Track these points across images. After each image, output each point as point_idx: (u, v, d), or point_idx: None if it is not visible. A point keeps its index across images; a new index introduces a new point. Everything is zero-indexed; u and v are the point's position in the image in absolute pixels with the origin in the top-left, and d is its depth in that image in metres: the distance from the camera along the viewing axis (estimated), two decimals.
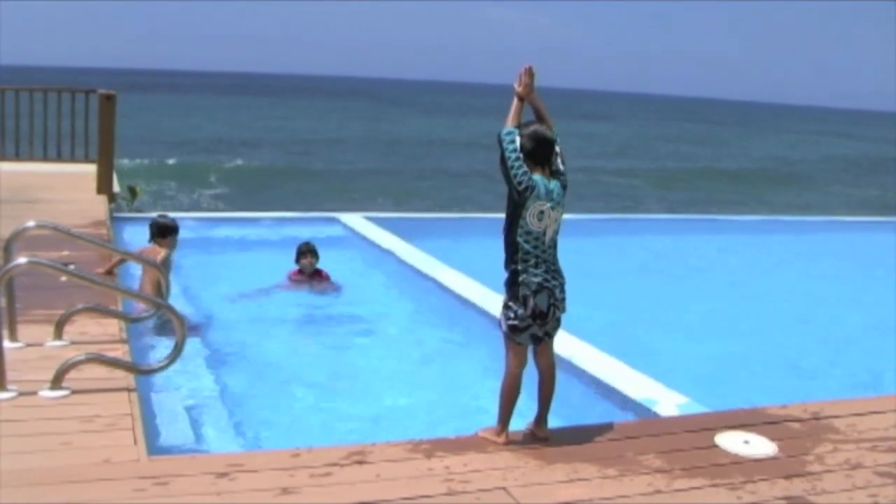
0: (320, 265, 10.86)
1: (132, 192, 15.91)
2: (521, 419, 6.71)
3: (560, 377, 7.58)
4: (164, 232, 8.85)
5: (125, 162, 31.49)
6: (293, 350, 8.58)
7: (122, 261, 8.73)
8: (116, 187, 14.08)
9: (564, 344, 8.07)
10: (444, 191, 35.29)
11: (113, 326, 6.93)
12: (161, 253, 8.52)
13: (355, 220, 14.14)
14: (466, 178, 39.04)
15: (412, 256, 11.76)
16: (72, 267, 6.69)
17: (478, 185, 34.92)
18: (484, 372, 8.15)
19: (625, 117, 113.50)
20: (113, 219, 12.29)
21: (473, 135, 60.46)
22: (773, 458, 5.28)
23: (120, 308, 7.37)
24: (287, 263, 10.86)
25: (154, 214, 10.63)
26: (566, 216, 5.24)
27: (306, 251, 10.78)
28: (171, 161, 39.31)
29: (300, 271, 10.78)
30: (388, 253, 12.19)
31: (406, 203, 28.91)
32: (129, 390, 5.67)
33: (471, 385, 7.84)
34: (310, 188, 33.57)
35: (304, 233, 12.14)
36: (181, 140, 50.70)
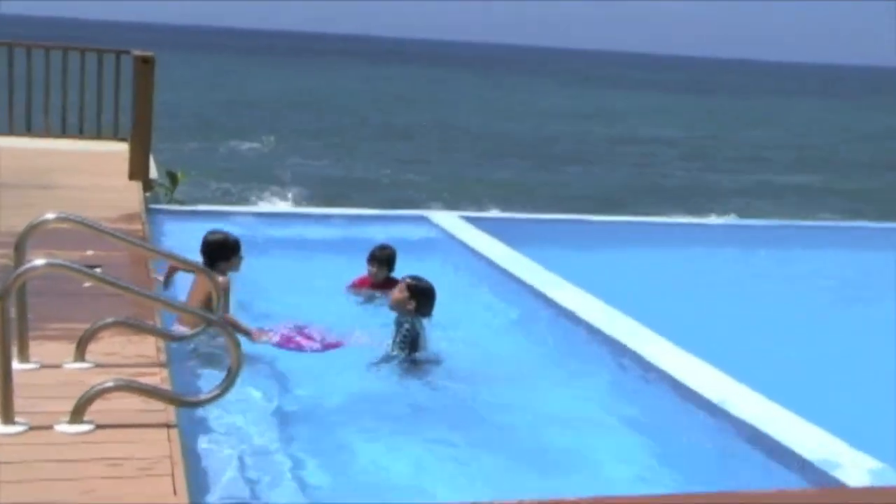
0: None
1: (173, 178, 16.09)
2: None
3: (709, 426, 7.59)
4: (226, 252, 8.87)
5: None
6: (367, 382, 8.57)
7: (174, 269, 8.78)
8: (154, 172, 14.21)
9: (714, 384, 8.01)
10: None
11: (149, 346, 6.96)
12: (223, 280, 8.51)
13: (448, 220, 14.17)
14: None
15: (519, 267, 11.69)
16: (99, 270, 6.73)
17: None
18: (604, 414, 8.13)
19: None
20: (149, 211, 12.43)
21: None
22: None
23: (158, 324, 7.39)
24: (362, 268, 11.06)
25: (202, 207, 10.68)
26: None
27: (377, 257, 11.00)
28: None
29: (367, 279, 11.05)
30: (487, 261, 12.17)
31: None
32: (168, 426, 5.67)
33: (591, 431, 7.79)
34: None
35: (383, 234, 12.22)
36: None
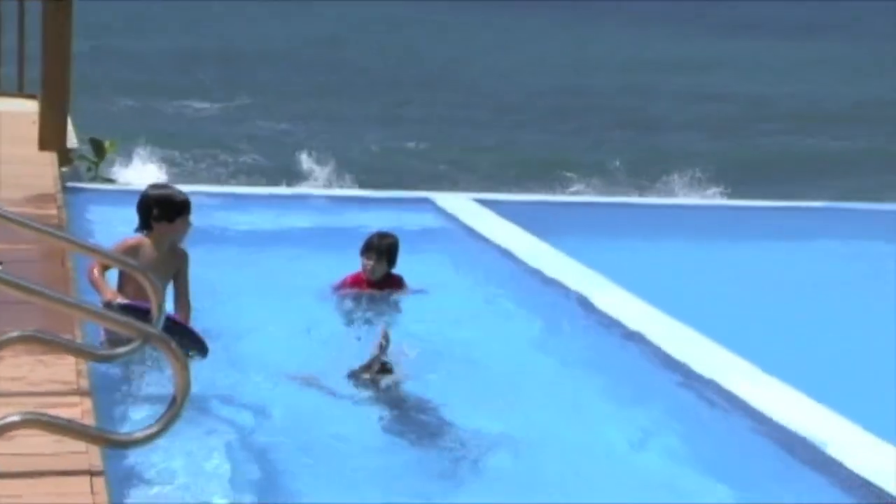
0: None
1: (98, 148, 16.05)
2: None
3: (754, 442, 7.87)
4: (168, 212, 8.89)
5: None
6: (353, 406, 8.67)
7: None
8: (73, 140, 14.19)
9: (767, 393, 8.33)
10: None
11: (67, 368, 6.95)
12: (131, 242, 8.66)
13: (458, 203, 14.28)
14: None
15: (547, 261, 11.78)
16: (0, 267, 6.70)
17: None
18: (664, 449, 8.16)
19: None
20: (66, 191, 12.45)
21: None
22: None
23: (79, 338, 7.40)
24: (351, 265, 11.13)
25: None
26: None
27: (376, 246, 11.03)
28: None
29: (360, 276, 11.12)
30: (507, 254, 12.26)
31: None
32: (91, 474, 5.64)
33: (640, 467, 7.91)
34: None
35: (376, 221, 12.28)
36: None
